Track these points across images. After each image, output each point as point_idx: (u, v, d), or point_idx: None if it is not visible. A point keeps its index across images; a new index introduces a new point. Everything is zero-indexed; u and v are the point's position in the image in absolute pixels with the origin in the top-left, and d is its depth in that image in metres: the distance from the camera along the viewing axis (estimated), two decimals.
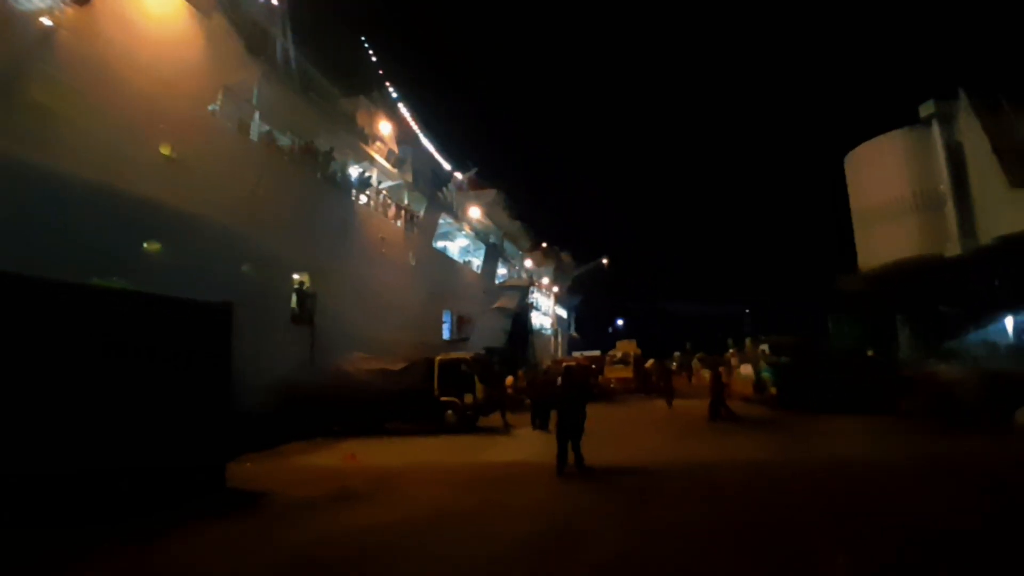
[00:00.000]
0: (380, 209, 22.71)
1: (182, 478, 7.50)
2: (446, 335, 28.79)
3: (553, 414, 13.61)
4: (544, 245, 55.23)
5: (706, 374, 23.90)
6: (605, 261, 66.72)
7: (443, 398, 14.31)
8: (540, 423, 13.86)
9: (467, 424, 14.23)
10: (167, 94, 12.77)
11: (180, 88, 13.24)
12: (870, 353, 18.47)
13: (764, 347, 18.15)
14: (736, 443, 11.16)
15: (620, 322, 71.58)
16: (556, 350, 52.92)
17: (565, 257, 62.66)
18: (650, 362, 28.56)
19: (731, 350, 29.29)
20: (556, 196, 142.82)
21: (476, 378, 14.34)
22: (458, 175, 34.53)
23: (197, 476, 7.78)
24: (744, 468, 8.71)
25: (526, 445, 12.24)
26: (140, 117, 12.05)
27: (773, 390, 16.98)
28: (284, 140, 17.95)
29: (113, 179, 11.07)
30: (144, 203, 11.80)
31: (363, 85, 22.81)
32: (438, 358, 14.78)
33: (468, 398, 14.26)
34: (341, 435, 13.98)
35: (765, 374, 17.92)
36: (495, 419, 15.05)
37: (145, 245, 12.53)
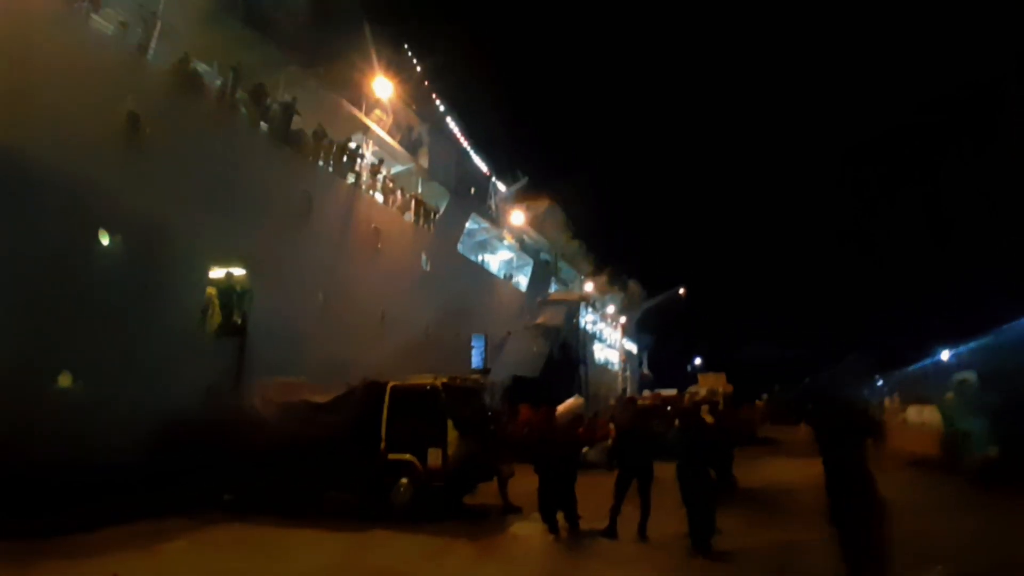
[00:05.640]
0: (376, 192, 17.34)
1: None
2: (476, 362, 22.69)
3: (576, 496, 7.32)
4: (610, 270, 48.11)
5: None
6: (682, 291, 58.93)
7: (392, 455, 8.23)
8: (550, 512, 7.35)
9: (433, 505, 7.97)
10: None
11: None
12: None
13: (967, 376, 10.66)
14: None
15: (698, 361, 62.17)
16: (625, 389, 45.21)
17: (633, 286, 55.21)
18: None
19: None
20: (626, 224, 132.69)
21: (450, 423, 8.18)
22: (500, 185, 28.67)
23: None
24: None
25: None
26: None
27: (993, 452, 9.54)
28: (219, 81, 12.99)
29: None
30: None
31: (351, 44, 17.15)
32: (391, 384, 8.71)
33: (435, 456, 8.09)
34: (234, 509, 8.59)
35: (965, 426, 10.49)
36: (491, 491, 8.74)
37: None
